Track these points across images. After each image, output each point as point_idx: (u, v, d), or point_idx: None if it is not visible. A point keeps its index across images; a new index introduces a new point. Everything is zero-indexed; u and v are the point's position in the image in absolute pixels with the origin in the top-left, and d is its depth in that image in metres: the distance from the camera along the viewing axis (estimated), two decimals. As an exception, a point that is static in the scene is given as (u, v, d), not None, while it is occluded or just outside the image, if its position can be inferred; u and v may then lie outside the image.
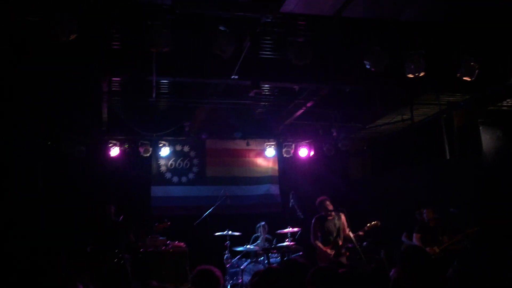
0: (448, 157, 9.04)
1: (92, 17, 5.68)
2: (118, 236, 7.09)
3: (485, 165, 8.32)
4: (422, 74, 6.38)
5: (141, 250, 7.82)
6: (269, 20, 5.64)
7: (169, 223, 8.29)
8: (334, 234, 7.78)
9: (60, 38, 5.06)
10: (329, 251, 7.61)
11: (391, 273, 3.72)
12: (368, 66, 6.16)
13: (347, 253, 7.77)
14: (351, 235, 7.57)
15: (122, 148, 9.84)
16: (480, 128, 8.43)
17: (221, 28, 5.54)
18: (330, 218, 7.84)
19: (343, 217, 7.87)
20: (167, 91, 8.46)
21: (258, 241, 9.17)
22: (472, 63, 6.58)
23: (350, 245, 7.76)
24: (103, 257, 6.86)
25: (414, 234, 7.94)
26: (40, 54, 6.36)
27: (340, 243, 7.71)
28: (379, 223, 7.76)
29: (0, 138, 7.23)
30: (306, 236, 8.20)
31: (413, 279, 3.19)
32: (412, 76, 6.48)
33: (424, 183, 9.33)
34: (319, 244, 7.71)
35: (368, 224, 7.76)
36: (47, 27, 5.18)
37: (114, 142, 9.73)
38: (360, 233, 7.70)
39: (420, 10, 5.86)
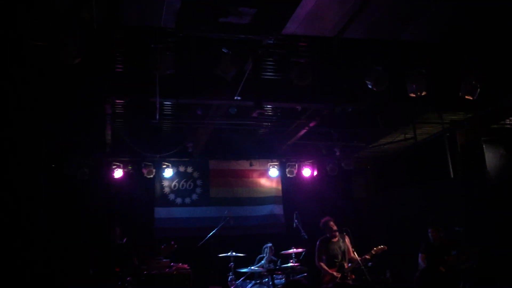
0: (452, 176, 9.01)
1: (96, 40, 5.76)
2: (121, 259, 7.06)
3: (489, 183, 8.27)
4: (424, 93, 6.43)
5: (145, 272, 7.75)
6: (271, 42, 5.71)
7: (175, 245, 8.24)
8: (340, 257, 7.71)
9: (65, 62, 5.12)
10: (335, 273, 7.52)
11: None
12: (370, 86, 6.21)
13: (353, 276, 7.67)
14: (357, 257, 7.49)
15: (125, 169, 9.86)
16: (484, 146, 8.41)
17: (224, 50, 5.60)
18: (334, 240, 7.76)
19: (347, 239, 7.80)
20: (170, 112, 8.51)
21: (262, 262, 9.09)
22: (474, 82, 6.61)
23: (356, 266, 7.66)
24: (105, 280, 6.82)
25: (420, 254, 7.85)
26: (45, 76, 6.42)
27: (346, 266, 7.64)
28: (386, 248, 7.67)
29: (2, 158, 7.24)
30: (311, 257, 8.14)
31: None
32: (414, 95, 6.53)
33: (429, 202, 9.28)
34: (324, 267, 7.62)
35: (375, 248, 7.66)
36: (53, 51, 5.27)
37: (118, 164, 9.75)
38: (367, 256, 7.58)
39: (420, 30, 5.91)
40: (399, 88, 6.68)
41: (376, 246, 7.71)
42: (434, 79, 6.68)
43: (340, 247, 7.75)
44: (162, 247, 8.21)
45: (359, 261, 7.40)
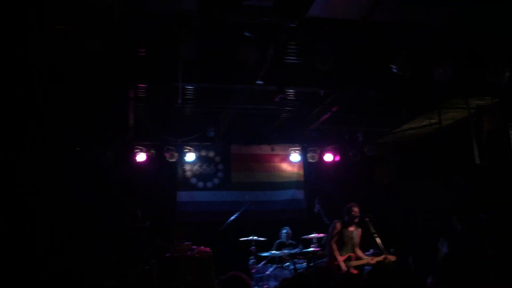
0: (477, 162, 8.84)
1: (119, 26, 5.78)
2: (145, 241, 7.18)
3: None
4: (449, 78, 6.29)
5: (167, 255, 7.87)
6: (294, 25, 5.63)
7: (189, 230, 8.33)
8: (349, 247, 7.57)
9: (88, 49, 5.16)
10: (342, 265, 7.33)
11: (428, 281, 3.65)
12: (395, 71, 6.10)
13: (356, 271, 7.50)
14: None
15: (148, 154, 9.94)
16: (510, 132, 8.22)
17: (246, 34, 5.56)
18: (350, 229, 7.64)
19: (360, 232, 7.69)
20: (192, 97, 8.52)
21: (284, 248, 9.09)
22: (501, 66, 6.44)
23: (361, 263, 7.50)
24: (130, 262, 6.95)
25: (444, 242, 7.74)
26: (67, 61, 6.48)
27: (353, 260, 7.47)
28: (395, 258, 7.40)
29: (28, 144, 7.38)
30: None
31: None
32: (439, 80, 6.40)
33: (454, 189, 9.14)
34: (336, 251, 7.44)
35: (386, 256, 7.38)
36: (76, 37, 5.31)
37: (140, 148, 9.84)
38: (373, 262, 7.40)
39: (447, 14, 5.75)
40: (424, 72, 6.56)
41: (388, 255, 7.46)
42: (460, 64, 6.54)
43: (352, 238, 7.62)
44: (176, 229, 8.32)
45: (368, 261, 7.33)
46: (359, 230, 7.66)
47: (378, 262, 7.38)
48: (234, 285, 3.79)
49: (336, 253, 7.41)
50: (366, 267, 7.65)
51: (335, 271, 7.16)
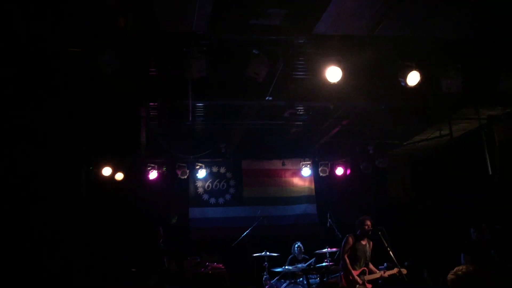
0: (490, 173, 8.77)
1: (130, 45, 5.89)
2: (162, 259, 7.25)
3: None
4: (459, 89, 6.29)
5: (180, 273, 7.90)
6: (302, 41, 5.70)
7: (198, 259, 8.36)
8: (362, 261, 7.52)
9: (101, 69, 5.26)
10: (358, 279, 7.27)
11: None
12: (402, 83, 6.12)
13: (370, 286, 7.46)
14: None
15: (160, 171, 10.02)
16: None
17: (255, 51, 5.63)
18: (363, 242, 7.58)
19: (371, 245, 7.64)
20: (203, 114, 8.60)
21: (297, 264, 9.04)
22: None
23: (375, 277, 7.45)
24: (147, 278, 7.01)
25: (462, 254, 7.61)
26: (80, 81, 6.60)
27: (367, 272, 7.44)
28: (406, 271, 7.35)
29: (42, 163, 7.49)
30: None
31: None
32: (448, 91, 6.40)
33: (468, 201, 9.06)
34: (349, 265, 7.39)
35: (398, 269, 7.32)
36: (88, 58, 5.42)
37: (153, 165, 9.92)
38: (385, 275, 7.36)
39: (456, 27, 5.78)
40: (433, 84, 6.56)
41: (400, 268, 7.39)
42: (470, 74, 6.53)
43: (365, 252, 7.56)
44: (188, 258, 8.35)
45: (381, 275, 7.26)
46: (371, 243, 7.61)
47: (390, 275, 7.33)
48: None
49: (350, 267, 7.35)
50: (405, 263, 7.56)
51: (350, 285, 7.11)
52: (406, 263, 7.78)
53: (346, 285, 7.09)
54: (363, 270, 7.42)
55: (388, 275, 7.34)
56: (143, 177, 9.92)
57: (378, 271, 7.39)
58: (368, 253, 7.55)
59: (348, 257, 7.41)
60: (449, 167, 9.92)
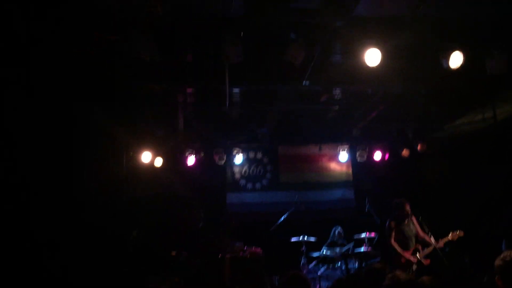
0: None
1: (167, 31, 5.95)
2: (203, 242, 7.39)
3: None
4: (503, 71, 6.08)
5: (220, 255, 8.00)
6: (340, 24, 5.61)
7: (233, 221, 8.49)
8: (413, 240, 7.51)
9: (140, 56, 5.34)
10: (412, 258, 7.32)
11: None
12: (445, 66, 5.96)
13: (428, 261, 7.44)
14: (432, 241, 7.27)
15: (197, 157, 10.13)
16: None
17: (292, 35, 5.59)
18: (406, 222, 7.55)
19: (415, 221, 7.58)
20: (239, 99, 8.62)
21: (335, 248, 9.02)
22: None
23: (431, 251, 7.43)
24: (189, 262, 7.17)
25: (504, 241, 7.45)
26: (119, 68, 6.72)
27: (421, 250, 7.43)
28: (463, 233, 7.38)
29: (86, 149, 7.68)
30: (383, 241, 8.00)
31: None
32: (492, 73, 6.20)
33: (509, 186, 8.78)
34: (399, 248, 7.40)
35: (452, 233, 7.40)
36: (128, 46, 5.52)
37: (190, 150, 10.04)
38: (441, 244, 7.34)
39: (498, 6, 5.56)
40: (477, 66, 6.36)
41: (453, 232, 7.44)
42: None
43: (411, 230, 7.55)
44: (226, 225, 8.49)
45: (435, 245, 7.19)
46: (414, 219, 7.56)
47: (446, 242, 7.32)
48: (295, 285, 3.82)
49: (400, 250, 7.36)
50: (446, 248, 7.55)
51: (405, 267, 7.11)
52: (447, 249, 7.67)
53: (402, 268, 7.10)
54: (416, 248, 7.42)
55: (444, 243, 7.33)
56: (181, 163, 10.05)
57: (432, 242, 7.31)
58: (414, 230, 7.52)
59: (396, 241, 7.41)
60: (492, 152, 9.61)
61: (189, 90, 8.08)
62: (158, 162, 9.74)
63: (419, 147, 10.30)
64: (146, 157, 9.48)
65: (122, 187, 8.89)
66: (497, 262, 3.15)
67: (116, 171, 8.54)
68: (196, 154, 10.12)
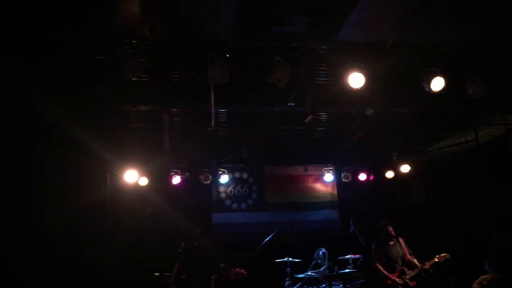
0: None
1: (155, 52, 5.99)
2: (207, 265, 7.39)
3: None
4: (485, 94, 6.20)
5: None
6: (325, 48, 5.70)
7: (254, 253, 8.43)
8: (400, 262, 7.54)
9: (125, 77, 5.36)
10: (397, 280, 7.34)
11: None
12: (427, 89, 6.06)
13: (414, 283, 7.45)
14: (417, 263, 7.30)
15: (183, 176, 10.10)
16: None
17: (277, 58, 5.66)
18: (391, 244, 7.61)
19: (402, 243, 7.63)
20: (225, 119, 8.65)
21: (320, 269, 9.01)
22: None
23: (417, 273, 7.45)
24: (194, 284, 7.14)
25: (486, 262, 7.51)
26: (106, 88, 6.72)
27: (407, 272, 7.45)
28: (448, 255, 7.43)
29: (66, 169, 7.61)
30: (368, 263, 8.01)
31: None
32: (473, 97, 6.32)
33: (493, 206, 8.89)
34: (384, 271, 7.44)
35: (438, 256, 7.44)
36: (113, 65, 5.54)
37: (176, 170, 10.01)
38: (427, 266, 7.38)
39: (482, 31, 5.71)
40: (459, 89, 6.49)
41: (439, 254, 7.47)
42: (496, 79, 6.43)
43: (398, 251, 7.59)
44: (240, 254, 8.42)
45: (420, 268, 7.21)
46: (400, 240, 7.60)
47: (432, 264, 7.35)
48: None
49: (385, 273, 7.38)
50: (430, 270, 7.57)
51: None
52: (431, 271, 7.70)
53: None
54: (402, 270, 7.44)
55: (430, 265, 7.36)
56: (166, 183, 10.00)
57: (418, 264, 7.31)
58: (401, 252, 7.56)
59: (382, 264, 7.45)
60: (474, 174, 9.74)
61: (175, 110, 8.10)
62: (143, 181, 9.68)
63: (403, 169, 10.39)
64: (130, 176, 9.42)
65: (105, 207, 8.82)
66: (474, 286, 3.15)
67: (98, 191, 8.47)
68: (182, 173, 10.09)
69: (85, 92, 6.69)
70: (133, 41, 5.64)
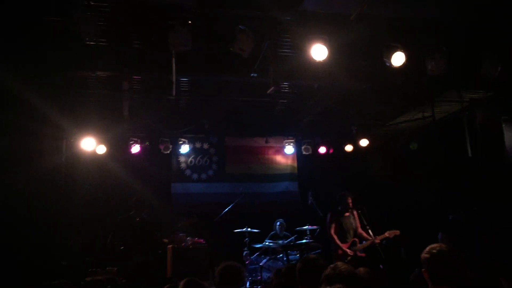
0: (470, 155, 8.91)
1: (114, 16, 5.78)
2: (145, 234, 7.28)
3: (508, 163, 8.18)
4: (443, 71, 6.34)
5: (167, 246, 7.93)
6: (289, 18, 5.65)
7: (196, 219, 8.39)
8: (351, 233, 7.75)
9: (83, 39, 5.16)
10: (348, 251, 7.57)
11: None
12: (388, 64, 6.14)
13: (364, 254, 7.72)
14: (371, 233, 7.52)
15: (142, 145, 9.94)
16: (503, 125, 8.29)
17: (241, 27, 5.57)
18: (346, 215, 7.81)
19: (356, 216, 7.84)
20: (187, 89, 8.53)
21: (277, 240, 9.17)
22: (494, 60, 6.50)
23: (368, 245, 7.69)
24: (132, 254, 7.05)
25: (440, 234, 7.80)
26: (61, 53, 6.48)
27: (358, 243, 7.68)
28: (398, 232, 7.68)
29: (18, 136, 7.36)
30: (325, 234, 8.21)
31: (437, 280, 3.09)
32: (432, 73, 6.45)
33: (447, 182, 9.22)
34: (337, 241, 7.66)
35: (388, 232, 7.68)
36: (70, 28, 5.32)
37: (135, 139, 9.83)
38: (377, 240, 7.60)
39: (441, 8, 5.78)
40: (418, 66, 6.61)
41: (390, 230, 7.71)
42: (454, 57, 6.58)
43: (351, 223, 7.81)
44: (183, 219, 8.37)
45: (372, 240, 7.44)
46: (355, 213, 7.80)
47: (383, 239, 7.58)
48: (229, 274, 3.86)
49: (338, 242, 7.58)
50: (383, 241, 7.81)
51: (341, 259, 7.30)
52: (384, 242, 7.96)
53: (338, 259, 7.29)
54: (353, 241, 7.65)
55: (380, 239, 7.59)
56: (125, 151, 9.82)
57: (370, 238, 7.54)
58: (354, 224, 7.77)
59: (335, 233, 7.63)
60: (430, 149, 10.04)
61: (135, 77, 7.90)
62: (101, 149, 9.48)
63: (362, 143, 10.59)
64: (88, 144, 9.20)
65: (61, 175, 8.62)
66: (423, 255, 3.17)
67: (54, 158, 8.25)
68: (141, 142, 9.93)
69: (39, 56, 6.43)
70: (91, 3, 5.41)
